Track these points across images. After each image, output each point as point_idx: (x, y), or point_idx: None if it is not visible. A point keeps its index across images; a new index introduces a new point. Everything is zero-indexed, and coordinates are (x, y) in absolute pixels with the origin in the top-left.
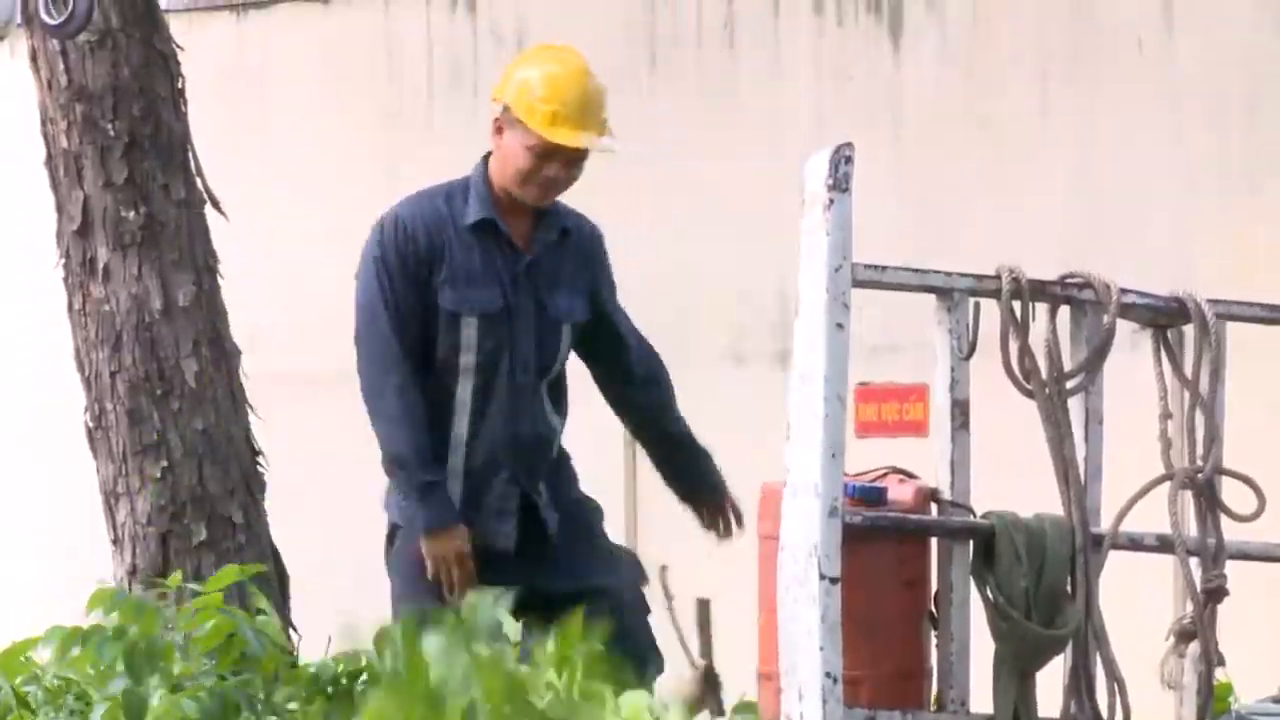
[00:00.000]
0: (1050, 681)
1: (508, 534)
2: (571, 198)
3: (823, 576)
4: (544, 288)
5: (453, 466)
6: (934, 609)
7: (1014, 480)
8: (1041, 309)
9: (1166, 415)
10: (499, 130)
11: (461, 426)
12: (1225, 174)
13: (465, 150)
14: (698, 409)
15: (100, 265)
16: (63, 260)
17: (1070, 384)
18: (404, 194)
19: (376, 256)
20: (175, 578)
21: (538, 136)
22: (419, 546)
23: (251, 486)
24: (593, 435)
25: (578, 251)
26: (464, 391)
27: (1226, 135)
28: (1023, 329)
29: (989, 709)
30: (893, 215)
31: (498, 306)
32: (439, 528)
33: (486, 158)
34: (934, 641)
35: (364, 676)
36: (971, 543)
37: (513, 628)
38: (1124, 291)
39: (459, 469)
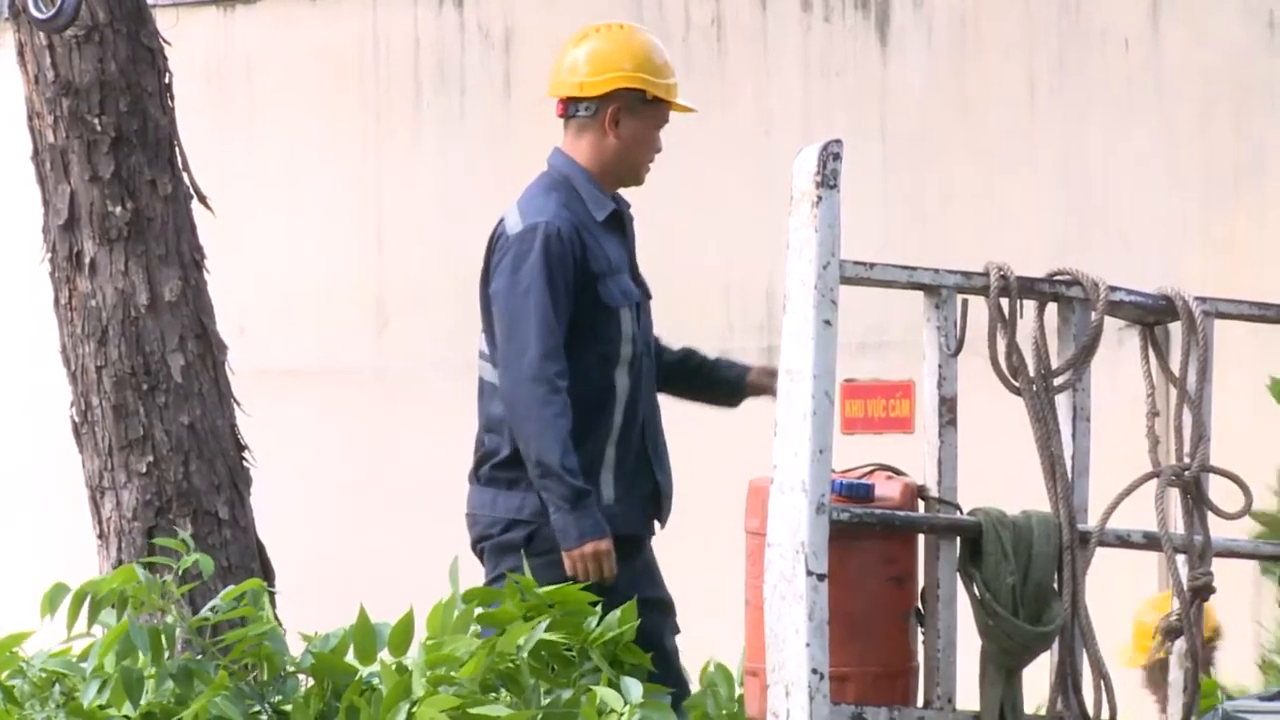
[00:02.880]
0: (1037, 678)
1: (651, 523)
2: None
3: (810, 573)
4: (636, 267)
5: (608, 457)
6: (921, 606)
7: (1001, 477)
8: (1029, 306)
9: (1154, 412)
10: (615, 120)
11: (618, 416)
12: (1212, 173)
13: (450, 146)
14: (684, 406)
15: (86, 260)
16: (49, 254)
17: (1058, 381)
18: (389, 191)
19: (545, 266)
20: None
21: (666, 113)
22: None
23: (237, 481)
24: None
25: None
26: (622, 382)
27: (1214, 135)
28: (1010, 326)
29: (976, 706)
30: (881, 212)
31: (638, 295)
32: (592, 538)
33: (560, 154)
34: (921, 638)
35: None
36: (958, 540)
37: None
38: (1112, 289)
39: (613, 459)
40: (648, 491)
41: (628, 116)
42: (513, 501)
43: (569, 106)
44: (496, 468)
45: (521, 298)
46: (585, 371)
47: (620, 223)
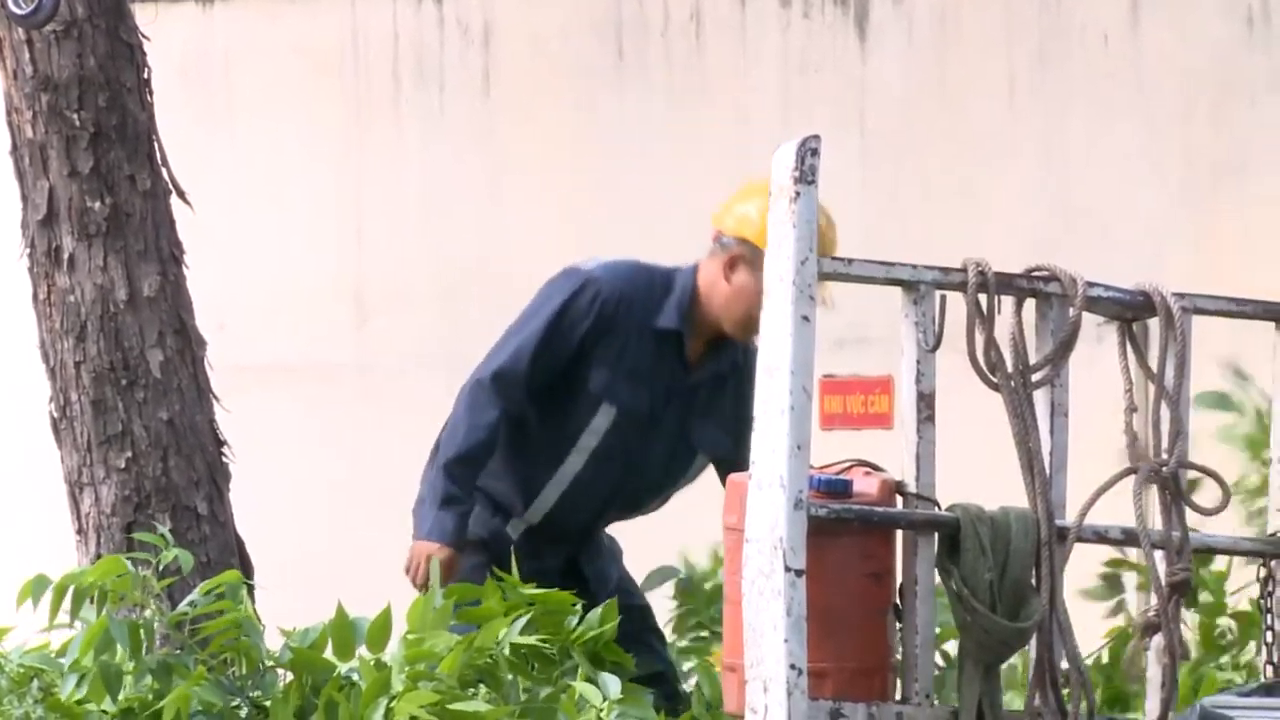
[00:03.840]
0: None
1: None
2: (548, 190)
3: (788, 569)
4: (697, 413)
5: (528, 515)
6: (899, 602)
7: (980, 473)
8: (1007, 302)
9: (1132, 408)
10: (732, 265)
11: (551, 492)
12: (1192, 169)
13: (430, 142)
14: None
15: (65, 255)
16: (27, 250)
17: (1036, 377)
18: (369, 186)
19: (557, 308)
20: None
21: None
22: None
23: (216, 477)
24: None
25: (741, 384)
26: (571, 464)
27: (1194, 131)
28: (989, 322)
29: (954, 702)
30: (860, 208)
31: (642, 410)
32: (435, 540)
33: (695, 267)
34: (899, 634)
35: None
36: (936, 535)
37: None
38: (1090, 285)
39: (531, 520)
40: (555, 568)
41: (747, 270)
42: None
43: (717, 235)
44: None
45: (523, 321)
46: (552, 430)
47: (675, 344)
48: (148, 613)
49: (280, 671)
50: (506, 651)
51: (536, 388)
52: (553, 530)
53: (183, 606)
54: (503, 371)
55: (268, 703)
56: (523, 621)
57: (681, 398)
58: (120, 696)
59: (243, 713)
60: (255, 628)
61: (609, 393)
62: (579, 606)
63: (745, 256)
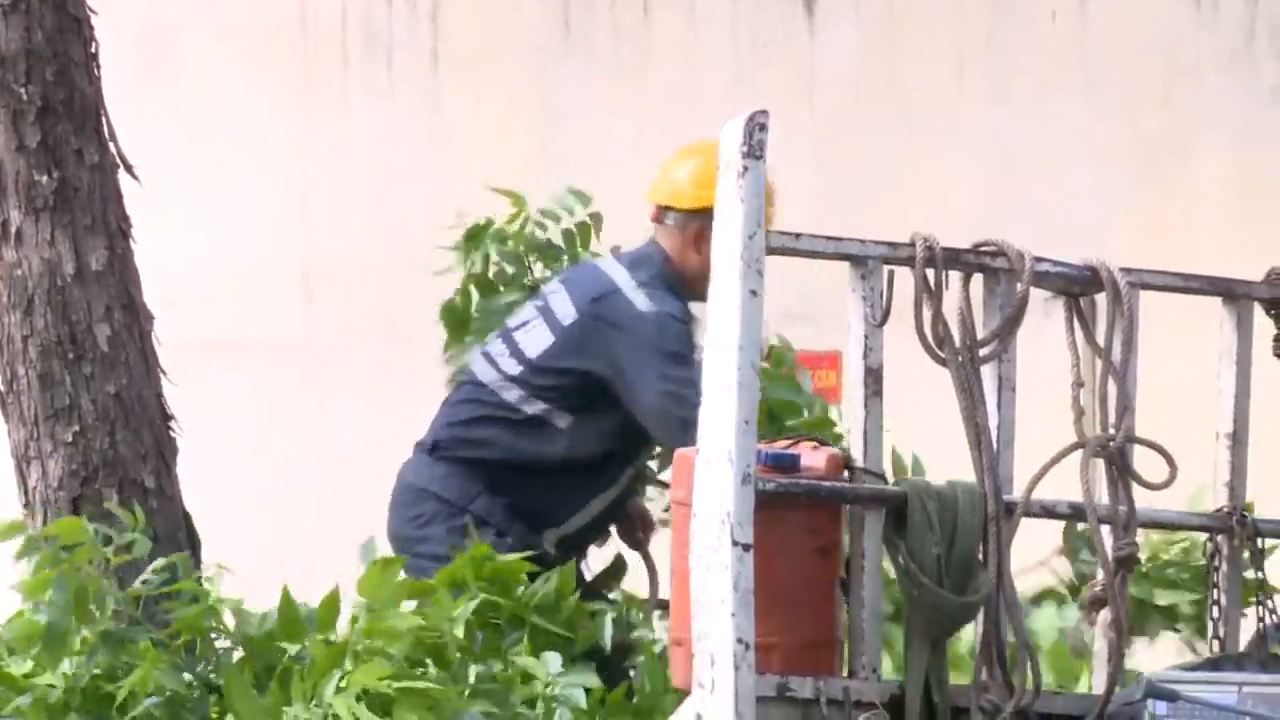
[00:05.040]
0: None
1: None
2: (496, 164)
3: (735, 543)
4: None
5: (565, 527)
6: (846, 576)
7: (927, 448)
8: (955, 277)
9: (1079, 383)
10: (699, 237)
11: (596, 505)
12: (1140, 148)
13: (377, 116)
14: None
15: (12, 229)
16: None
17: (983, 352)
18: (316, 161)
19: (684, 322)
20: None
21: None
22: None
23: (164, 451)
24: None
25: None
26: (621, 481)
27: (1141, 110)
28: (936, 297)
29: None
30: (808, 184)
31: None
32: None
33: (652, 246)
34: (846, 609)
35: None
36: (884, 510)
37: None
38: (1038, 260)
39: (566, 531)
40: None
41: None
42: (469, 489)
43: (661, 213)
44: (463, 458)
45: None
46: (596, 451)
47: None
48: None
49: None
50: (460, 633)
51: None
52: (581, 538)
53: (137, 584)
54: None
55: (220, 682)
56: (473, 605)
57: None
58: (68, 669)
59: (195, 692)
60: (213, 607)
61: None
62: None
63: (708, 225)
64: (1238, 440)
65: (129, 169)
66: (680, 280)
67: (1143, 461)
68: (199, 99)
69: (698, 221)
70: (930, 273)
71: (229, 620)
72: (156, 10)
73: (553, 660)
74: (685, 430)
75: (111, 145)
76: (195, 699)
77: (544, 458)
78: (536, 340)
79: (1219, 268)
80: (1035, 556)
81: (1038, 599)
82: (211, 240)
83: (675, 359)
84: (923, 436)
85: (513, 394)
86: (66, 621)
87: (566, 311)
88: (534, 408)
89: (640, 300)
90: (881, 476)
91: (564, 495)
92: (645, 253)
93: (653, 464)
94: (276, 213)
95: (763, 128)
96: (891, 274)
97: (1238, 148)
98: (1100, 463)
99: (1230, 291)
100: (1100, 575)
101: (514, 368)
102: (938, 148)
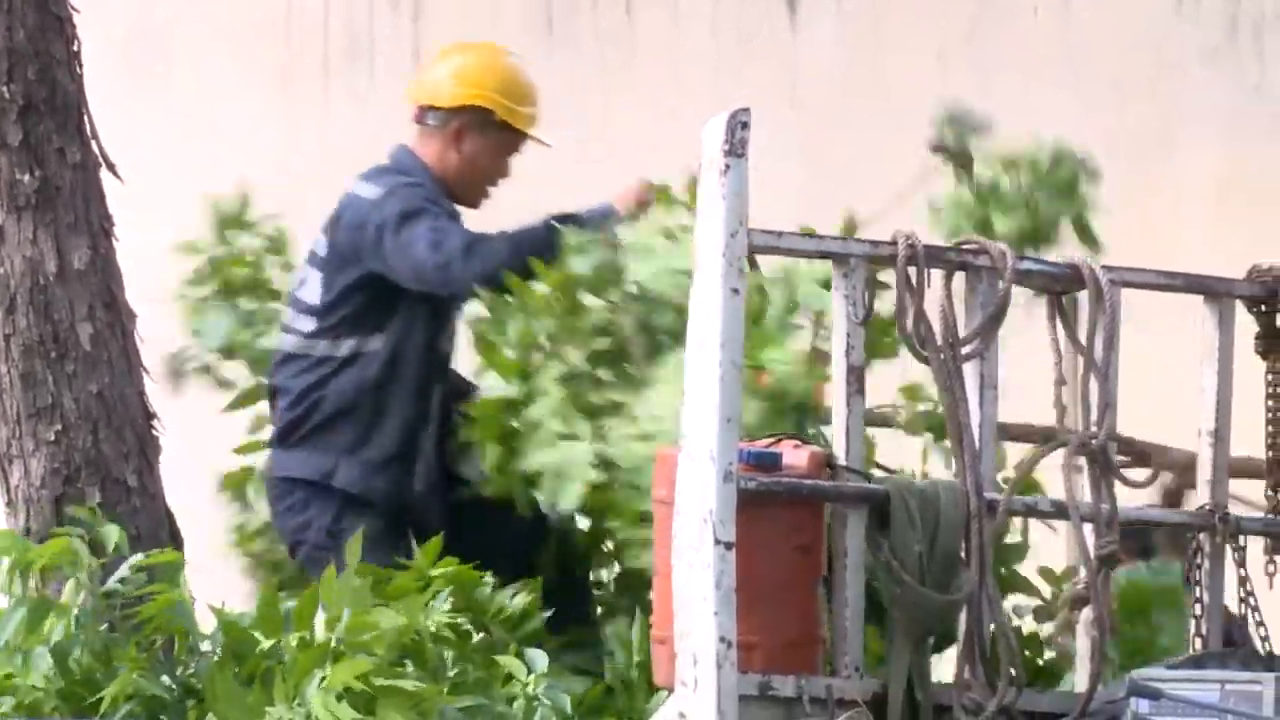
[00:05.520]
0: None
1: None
2: None
3: (717, 542)
4: None
5: (423, 448)
6: (829, 574)
7: (910, 445)
8: (937, 275)
9: (1061, 381)
10: (460, 136)
11: (435, 405)
12: (1123, 142)
13: (361, 114)
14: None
15: None
16: None
17: (965, 350)
18: (305, 157)
19: (428, 198)
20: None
21: (518, 141)
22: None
23: (146, 450)
24: None
25: None
26: (437, 385)
27: (1125, 104)
28: (918, 295)
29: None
30: (792, 181)
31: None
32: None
33: (407, 152)
34: (829, 607)
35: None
36: (866, 508)
37: None
38: (1020, 258)
39: (425, 449)
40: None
41: (474, 135)
42: (325, 463)
43: (422, 113)
44: (308, 434)
45: (413, 225)
46: (418, 353)
47: None
48: (77, 593)
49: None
50: (433, 628)
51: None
52: (442, 463)
53: (112, 583)
54: (453, 240)
55: (200, 685)
56: (445, 601)
57: None
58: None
59: (174, 696)
60: (187, 606)
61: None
62: (487, 579)
63: (467, 125)
64: (1219, 438)
65: (111, 167)
66: (441, 185)
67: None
68: (189, 96)
69: (457, 120)
70: (912, 271)
71: (207, 621)
72: (147, 7)
73: (538, 659)
74: (446, 269)
75: (94, 144)
76: (174, 702)
77: (373, 382)
78: (312, 287)
79: (1205, 264)
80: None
81: None
82: (196, 238)
83: (413, 216)
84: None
85: (320, 346)
86: (56, 640)
87: (320, 244)
88: (345, 347)
89: (369, 191)
90: (864, 474)
91: (406, 418)
92: (389, 163)
93: None
94: (260, 211)
95: (745, 125)
96: (874, 272)
97: (1222, 143)
98: (1082, 460)
99: (1211, 289)
100: (1082, 573)
101: (309, 324)
102: (920, 143)
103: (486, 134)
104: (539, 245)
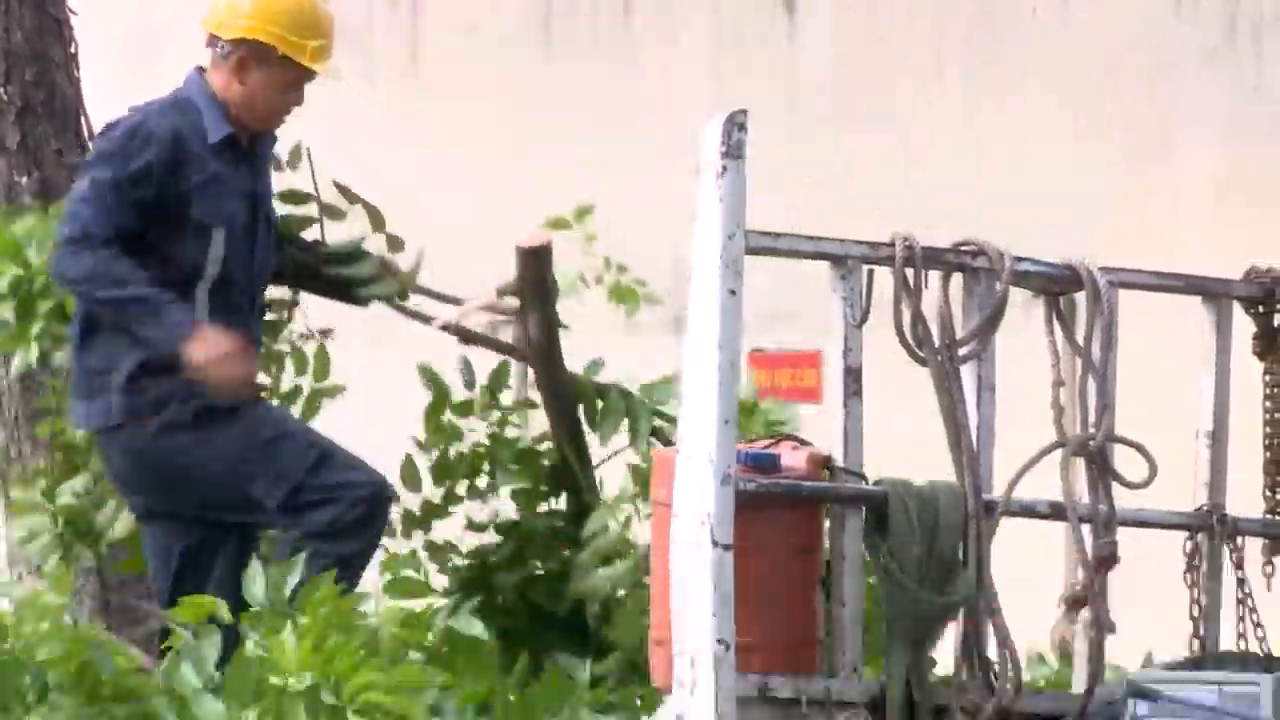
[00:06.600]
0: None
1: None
2: (464, 164)
3: (716, 544)
4: (266, 199)
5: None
6: (827, 575)
7: (909, 447)
8: (935, 277)
9: (1059, 383)
10: (243, 68)
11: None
12: (1121, 143)
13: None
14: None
15: None
16: None
17: (963, 351)
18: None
19: (114, 154)
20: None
21: (303, 73)
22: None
23: None
24: None
25: (272, 156)
26: (200, 298)
27: (1123, 105)
28: (916, 296)
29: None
30: (788, 182)
31: (241, 222)
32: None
33: (201, 72)
34: (827, 608)
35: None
36: (864, 510)
37: None
38: (1017, 259)
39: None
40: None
41: (256, 66)
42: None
43: (211, 40)
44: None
45: (86, 185)
46: (173, 279)
47: (243, 151)
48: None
49: None
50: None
51: (138, 240)
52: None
53: None
54: (99, 225)
55: None
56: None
57: (259, 193)
58: None
59: None
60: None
61: (212, 216)
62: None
63: (249, 57)
64: (1217, 439)
65: None
66: (226, 111)
67: (1123, 460)
68: None
69: (238, 52)
70: (910, 272)
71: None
72: (146, 7)
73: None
74: (58, 249)
75: (91, 145)
76: None
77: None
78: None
79: (1203, 265)
80: (1014, 556)
81: None
82: None
83: (85, 170)
84: (903, 436)
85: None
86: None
87: None
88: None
89: (121, 116)
90: (862, 476)
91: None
92: (181, 89)
93: None
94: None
95: (742, 127)
96: (871, 274)
97: (1221, 144)
98: (1080, 462)
99: (1209, 290)
100: (1081, 574)
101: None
102: (917, 145)
103: (269, 67)
104: (137, 314)
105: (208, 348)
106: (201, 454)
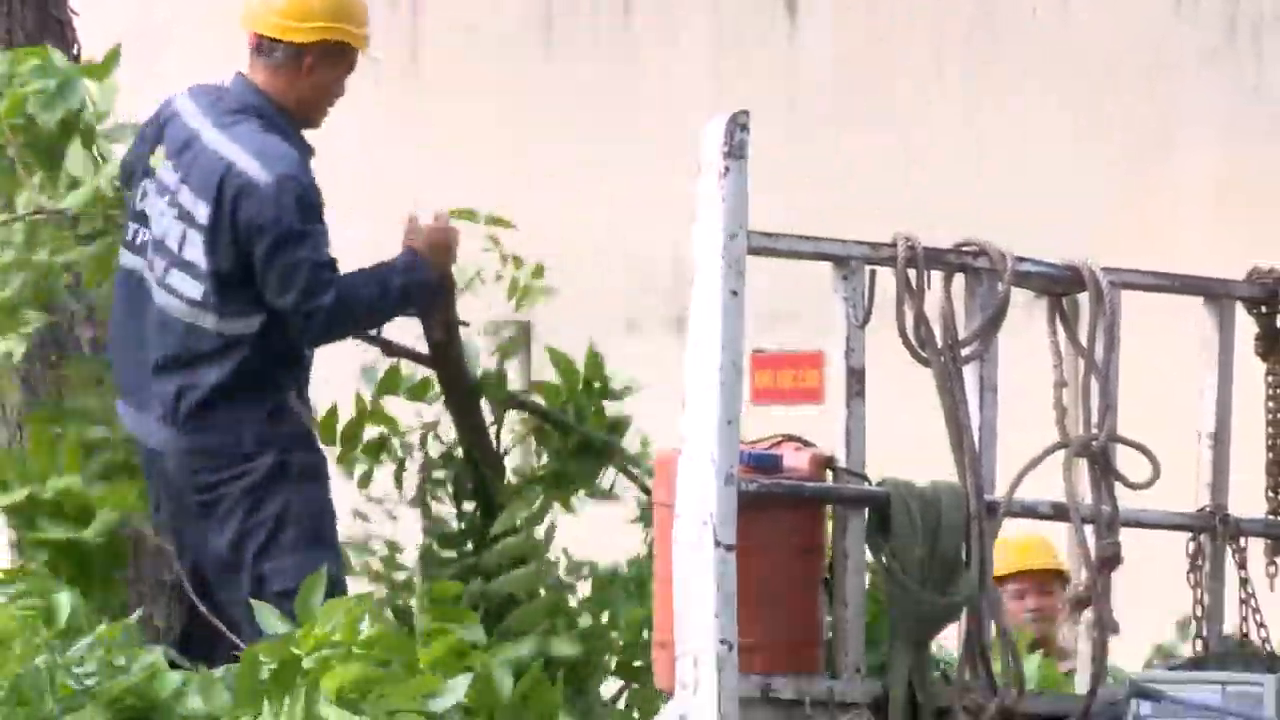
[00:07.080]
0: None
1: None
2: (464, 164)
3: (718, 544)
4: None
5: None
6: (829, 576)
7: (911, 448)
8: (937, 277)
9: (1061, 383)
10: (312, 69)
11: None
12: (1122, 143)
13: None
14: None
15: None
16: None
17: (965, 352)
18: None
19: (315, 204)
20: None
21: (355, 59)
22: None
23: None
24: None
25: None
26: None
27: (1123, 105)
28: (918, 297)
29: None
30: (789, 183)
31: None
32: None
33: (248, 86)
34: (829, 609)
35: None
36: (867, 510)
37: None
38: (1019, 259)
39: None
40: None
41: (325, 66)
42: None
43: (269, 46)
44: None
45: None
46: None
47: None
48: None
49: None
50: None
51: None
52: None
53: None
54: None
55: None
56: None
57: None
58: None
59: None
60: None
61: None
62: None
63: (320, 57)
64: (1219, 439)
65: None
66: (284, 114)
67: (1125, 461)
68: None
69: (310, 54)
70: (912, 273)
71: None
72: (147, 7)
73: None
74: (308, 319)
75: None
76: None
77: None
78: (194, 250)
79: (1203, 265)
80: None
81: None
82: None
83: (299, 240)
84: (905, 437)
85: (209, 320)
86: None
87: (200, 210)
88: (232, 327)
89: (252, 167)
90: (864, 477)
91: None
92: (235, 102)
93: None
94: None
95: (744, 127)
96: (874, 274)
97: (1221, 144)
98: (1083, 462)
99: (1211, 291)
100: (1083, 575)
101: (194, 289)
102: (918, 145)
103: (337, 65)
104: (393, 307)
105: (430, 236)
106: (289, 499)
